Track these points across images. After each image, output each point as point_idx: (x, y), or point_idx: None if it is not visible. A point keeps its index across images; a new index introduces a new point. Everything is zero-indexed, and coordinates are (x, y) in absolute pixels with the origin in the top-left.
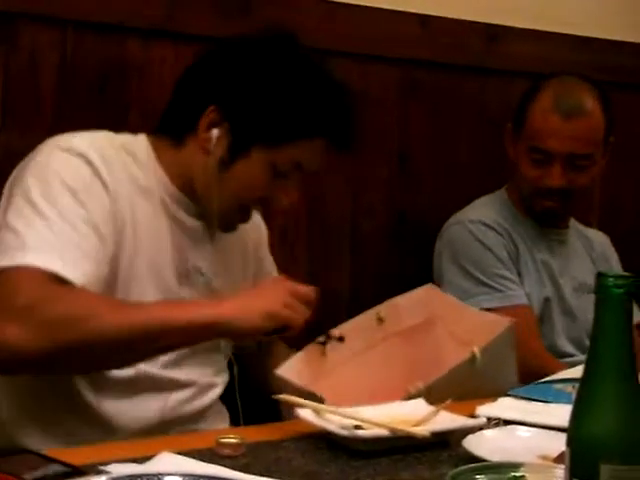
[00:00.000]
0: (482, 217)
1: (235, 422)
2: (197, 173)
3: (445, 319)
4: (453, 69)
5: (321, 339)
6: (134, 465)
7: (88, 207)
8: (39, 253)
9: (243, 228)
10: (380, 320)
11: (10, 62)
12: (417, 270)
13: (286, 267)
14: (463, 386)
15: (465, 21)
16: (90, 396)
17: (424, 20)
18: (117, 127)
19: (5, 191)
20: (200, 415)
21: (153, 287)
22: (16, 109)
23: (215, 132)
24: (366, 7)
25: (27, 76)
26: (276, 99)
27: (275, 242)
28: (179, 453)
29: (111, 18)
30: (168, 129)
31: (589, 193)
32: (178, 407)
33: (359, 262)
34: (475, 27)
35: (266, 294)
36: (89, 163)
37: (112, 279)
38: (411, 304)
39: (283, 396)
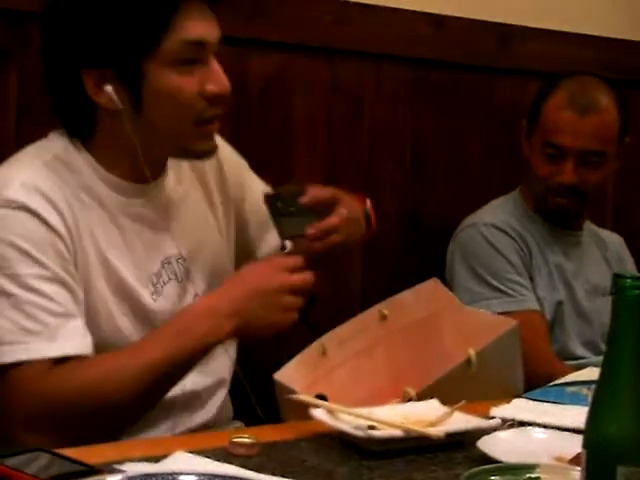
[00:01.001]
0: (495, 220)
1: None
2: (125, 143)
3: (449, 314)
4: (466, 69)
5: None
6: (149, 464)
7: (46, 263)
8: (20, 345)
9: (201, 183)
10: (383, 317)
11: (25, 61)
12: (429, 271)
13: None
14: (461, 388)
15: (478, 21)
16: None
17: (437, 20)
18: None
19: None
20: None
21: (126, 302)
22: (31, 109)
23: (108, 87)
24: (379, 7)
25: (42, 77)
26: (117, 9)
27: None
28: (193, 452)
29: None
30: (76, 128)
31: (603, 193)
32: (184, 423)
33: (371, 263)
34: (488, 27)
35: (264, 300)
36: (34, 215)
37: (95, 319)
38: (414, 299)
39: (297, 396)
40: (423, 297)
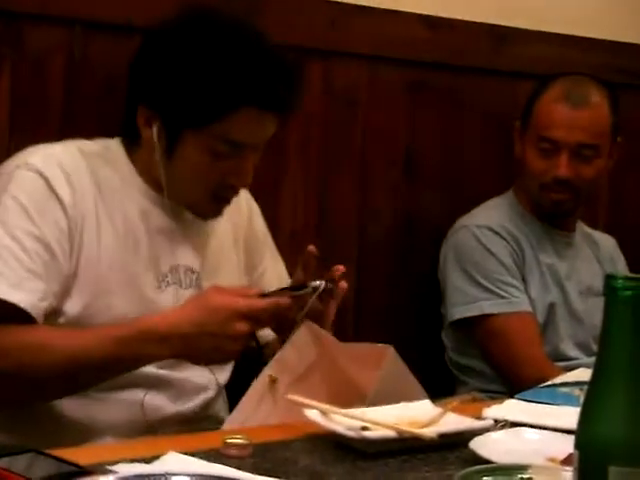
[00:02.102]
0: (488, 222)
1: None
2: (156, 171)
3: (333, 353)
4: (461, 71)
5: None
6: (141, 465)
7: (39, 223)
8: None
9: (231, 220)
10: (273, 382)
11: (17, 63)
12: (423, 272)
13: (294, 269)
14: None
15: (473, 23)
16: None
17: (432, 22)
18: None
19: None
20: (189, 418)
21: (127, 297)
22: (24, 111)
23: (154, 128)
24: (374, 9)
25: (35, 77)
26: (187, 81)
27: (283, 245)
28: (186, 453)
29: (119, 18)
30: (128, 132)
31: (596, 193)
32: (159, 409)
33: (366, 264)
34: (483, 29)
35: (215, 343)
36: (45, 179)
37: (86, 296)
38: (296, 351)
39: (292, 396)
40: (304, 345)
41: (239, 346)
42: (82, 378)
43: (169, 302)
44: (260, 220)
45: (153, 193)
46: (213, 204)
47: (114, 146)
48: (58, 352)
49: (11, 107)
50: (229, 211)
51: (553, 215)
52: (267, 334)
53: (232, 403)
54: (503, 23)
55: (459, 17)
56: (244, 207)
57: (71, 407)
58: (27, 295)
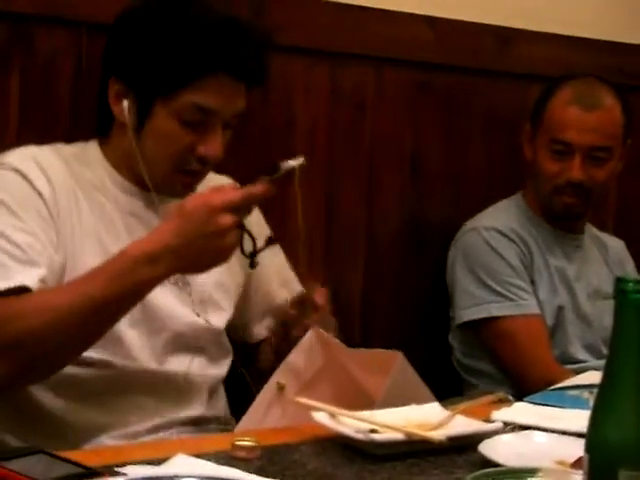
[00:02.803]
0: (497, 224)
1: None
2: (131, 155)
3: (341, 358)
4: (466, 72)
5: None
6: (150, 467)
7: (23, 217)
8: None
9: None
10: (281, 389)
11: (26, 65)
12: (431, 274)
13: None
14: None
15: (478, 24)
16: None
17: (437, 23)
18: None
19: None
20: (193, 419)
21: None
22: (33, 112)
23: (125, 102)
24: (380, 10)
25: (43, 79)
26: (157, 47)
27: (291, 246)
28: (194, 455)
29: None
30: (99, 128)
31: (605, 194)
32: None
33: (373, 266)
34: (488, 30)
35: (201, 245)
36: (22, 175)
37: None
38: (304, 357)
39: (300, 399)
40: (311, 350)
41: (230, 239)
42: (91, 327)
43: (158, 297)
44: (254, 212)
45: (131, 186)
46: (181, 177)
47: (90, 147)
48: (60, 306)
49: (20, 109)
50: None
51: (564, 218)
52: (259, 333)
53: (231, 402)
54: (508, 25)
55: (464, 19)
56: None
57: (74, 410)
58: (23, 279)
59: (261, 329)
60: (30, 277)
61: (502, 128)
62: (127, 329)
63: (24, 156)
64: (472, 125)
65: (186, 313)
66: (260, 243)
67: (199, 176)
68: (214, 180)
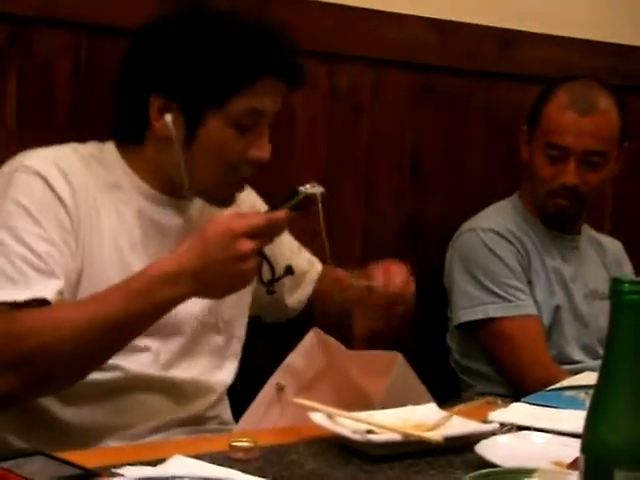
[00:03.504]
0: (494, 225)
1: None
2: (169, 165)
3: (341, 360)
4: (466, 74)
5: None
6: (147, 468)
7: (43, 224)
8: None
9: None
10: (281, 389)
11: (24, 66)
12: (429, 275)
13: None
14: None
15: (478, 26)
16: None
17: (437, 25)
18: None
19: None
20: (194, 420)
21: None
22: (31, 113)
23: (168, 117)
24: (379, 12)
25: (42, 80)
26: (201, 60)
27: None
28: (192, 456)
29: (126, 22)
30: (125, 134)
31: (602, 197)
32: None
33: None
34: (488, 32)
35: (221, 269)
36: (43, 179)
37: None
38: (303, 358)
39: (298, 400)
40: (311, 353)
41: (250, 265)
42: (106, 343)
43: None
44: (262, 208)
45: (153, 191)
46: (232, 186)
47: (107, 149)
48: (78, 323)
49: (18, 110)
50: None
51: (558, 220)
52: (294, 307)
53: (233, 404)
54: (509, 27)
55: (465, 20)
56: (244, 205)
57: (79, 413)
58: (41, 291)
59: (294, 302)
60: (50, 289)
61: (502, 129)
62: (143, 337)
63: (46, 160)
64: (472, 126)
65: (199, 317)
66: (279, 271)
67: (247, 181)
68: (246, 192)
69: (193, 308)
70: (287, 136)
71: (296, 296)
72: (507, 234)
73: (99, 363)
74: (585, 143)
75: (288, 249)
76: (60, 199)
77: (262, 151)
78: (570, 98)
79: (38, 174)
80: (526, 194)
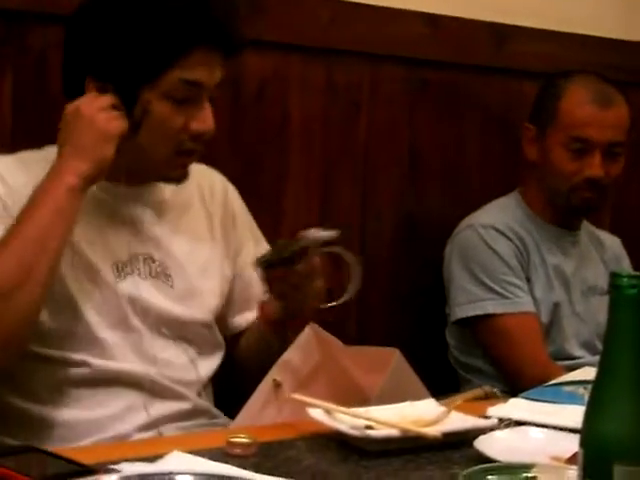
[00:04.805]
0: (494, 222)
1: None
2: (119, 153)
3: (338, 356)
4: (462, 69)
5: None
6: (145, 464)
7: None
8: None
9: (204, 205)
10: (278, 386)
11: (19, 62)
12: (427, 271)
13: None
14: None
15: (474, 21)
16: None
17: (433, 20)
18: None
19: None
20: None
21: (90, 284)
22: (27, 110)
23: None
24: (375, 7)
25: (37, 76)
26: (130, 37)
27: None
28: (190, 452)
29: None
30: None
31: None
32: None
33: (367, 263)
34: (484, 27)
35: (85, 126)
36: None
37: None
38: (300, 353)
39: (296, 395)
40: (307, 347)
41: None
42: (33, 257)
43: (129, 292)
44: (237, 202)
45: (104, 183)
46: (179, 159)
47: (50, 150)
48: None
49: (13, 107)
50: (202, 199)
51: (582, 213)
52: (237, 324)
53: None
54: (505, 21)
55: (461, 15)
56: (218, 193)
57: (61, 413)
58: None
59: (240, 320)
60: None
61: (498, 125)
62: (106, 329)
63: None
64: (468, 122)
65: (169, 306)
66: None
67: (194, 155)
68: (205, 173)
69: (162, 301)
70: (283, 133)
71: (244, 315)
72: (506, 231)
73: (42, 284)
74: (608, 135)
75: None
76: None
77: (203, 124)
78: (588, 92)
79: None
80: (530, 191)
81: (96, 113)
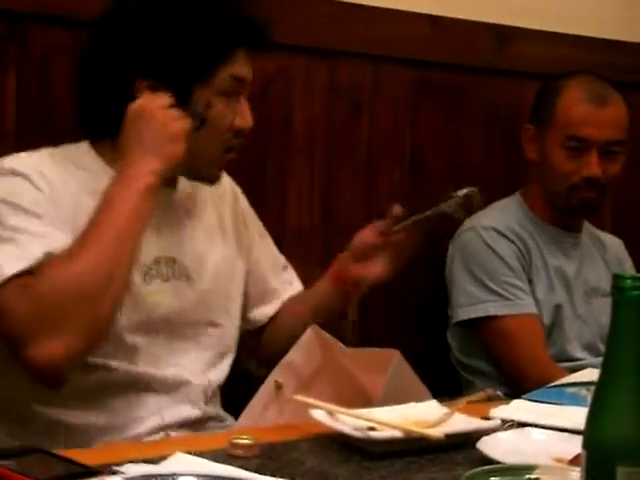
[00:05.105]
0: (495, 224)
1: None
2: None
3: (339, 357)
4: (464, 70)
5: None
6: (148, 466)
7: (39, 214)
8: (6, 265)
9: (214, 206)
10: (279, 387)
11: (23, 64)
12: (428, 273)
13: (299, 267)
14: None
15: (476, 22)
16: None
17: (435, 21)
18: None
19: None
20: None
21: None
22: (30, 111)
23: None
24: (378, 8)
25: (40, 78)
26: (183, 36)
27: (289, 243)
28: (193, 454)
29: None
30: (99, 129)
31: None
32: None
33: None
34: (486, 28)
35: (154, 126)
36: (21, 175)
37: None
38: (302, 355)
39: (298, 396)
40: (309, 348)
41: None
42: (118, 252)
43: (154, 296)
44: (245, 202)
45: None
46: (225, 157)
47: (81, 148)
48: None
49: (17, 107)
50: (213, 200)
51: (581, 213)
52: (257, 319)
53: (228, 400)
54: (507, 22)
55: (463, 16)
56: (227, 194)
57: (74, 414)
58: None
59: (258, 315)
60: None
61: (501, 126)
62: (127, 332)
63: (22, 161)
64: (470, 123)
65: (188, 309)
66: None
67: (234, 152)
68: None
69: (182, 303)
70: (286, 133)
71: (262, 308)
72: (508, 232)
73: (126, 272)
74: (606, 133)
75: (270, 265)
76: (40, 190)
77: (245, 120)
78: (584, 90)
79: (16, 172)
80: (531, 192)
81: (161, 112)
